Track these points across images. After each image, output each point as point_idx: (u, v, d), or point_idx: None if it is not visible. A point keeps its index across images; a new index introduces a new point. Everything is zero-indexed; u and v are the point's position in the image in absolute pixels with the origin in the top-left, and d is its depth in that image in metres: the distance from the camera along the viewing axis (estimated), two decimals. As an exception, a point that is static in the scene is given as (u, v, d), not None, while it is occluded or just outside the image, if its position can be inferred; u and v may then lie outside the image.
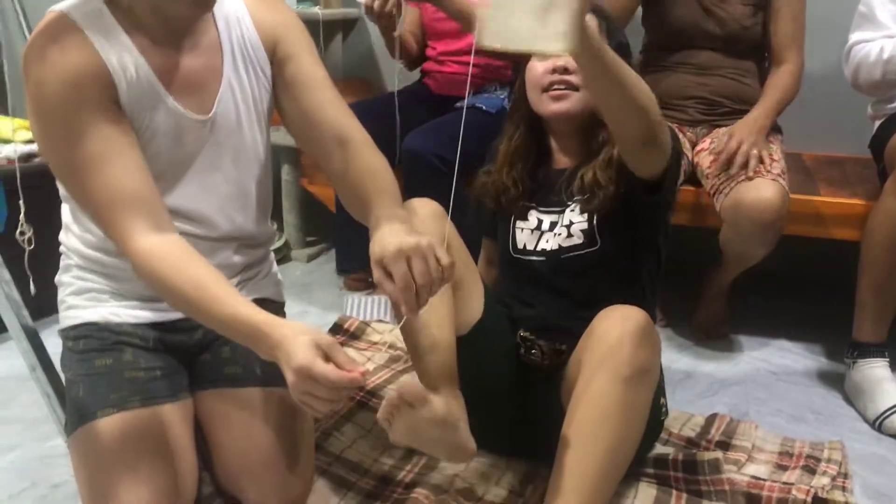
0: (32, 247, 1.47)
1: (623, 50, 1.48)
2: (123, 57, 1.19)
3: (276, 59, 1.35)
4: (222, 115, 1.31)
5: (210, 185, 1.33)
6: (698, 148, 2.14)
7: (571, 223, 1.48)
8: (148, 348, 1.35)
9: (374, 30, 2.99)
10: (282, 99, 1.37)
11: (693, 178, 2.13)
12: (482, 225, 1.66)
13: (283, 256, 2.79)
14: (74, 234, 1.36)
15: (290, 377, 1.06)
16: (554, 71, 1.43)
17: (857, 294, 1.89)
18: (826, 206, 2.05)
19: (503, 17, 0.95)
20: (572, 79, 1.43)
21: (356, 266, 2.44)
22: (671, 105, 2.19)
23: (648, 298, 1.55)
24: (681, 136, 2.15)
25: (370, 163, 1.31)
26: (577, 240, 1.48)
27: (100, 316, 1.35)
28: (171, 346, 1.38)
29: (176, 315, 1.37)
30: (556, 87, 1.44)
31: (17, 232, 1.46)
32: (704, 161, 2.06)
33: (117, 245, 1.18)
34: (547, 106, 1.46)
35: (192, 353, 1.41)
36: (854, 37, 2.05)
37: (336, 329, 2.17)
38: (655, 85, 2.18)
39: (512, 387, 1.44)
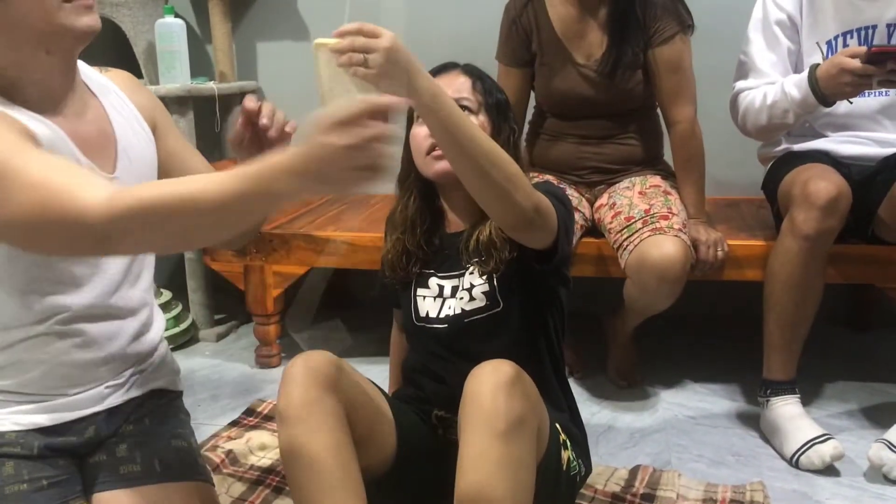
0: None
1: (502, 107, 1.49)
2: (31, 122, 1.16)
3: (156, 134, 1.41)
4: (124, 175, 1.29)
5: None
6: (598, 204, 2.17)
7: (472, 286, 1.47)
8: (32, 456, 1.25)
9: (273, 100, 2.97)
10: (160, 170, 1.41)
11: (595, 231, 2.16)
12: (388, 296, 1.64)
13: (191, 338, 2.69)
14: None
15: (335, 141, 0.90)
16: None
17: (765, 334, 1.93)
18: (729, 249, 2.09)
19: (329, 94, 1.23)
20: None
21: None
22: (568, 173, 2.22)
23: (557, 352, 1.55)
24: (578, 195, 2.18)
25: None
26: (480, 302, 1.47)
27: None
28: (59, 450, 1.28)
29: (67, 416, 1.29)
30: (435, 148, 1.44)
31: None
32: (605, 216, 2.09)
33: (79, 222, 1.01)
34: (431, 167, 1.46)
35: (83, 455, 1.32)
36: (738, 85, 2.13)
37: (249, 413, 2.09)
38: (546, 152, 2.24)
39: (436, 469, 1.40)
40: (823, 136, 2.09)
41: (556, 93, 2.16)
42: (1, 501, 1.19)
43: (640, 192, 2.08)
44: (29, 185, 1.04)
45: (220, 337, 2.73)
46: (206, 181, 1.00)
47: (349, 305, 2.94)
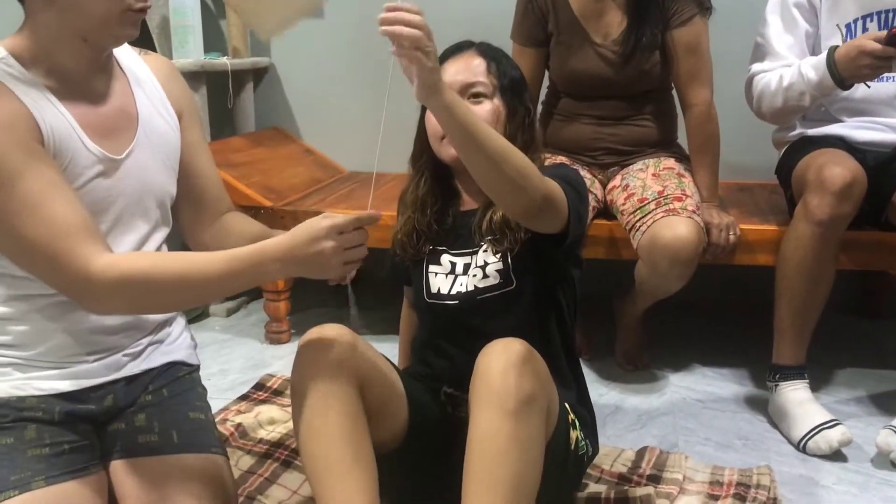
0: None
1: (517, 85, 1.48)
2: (41, 101, 1.21)
3: (181, 123, 1.45)
4: (140, 156, 1.33)
5: (127, 222, 1.33)
6: (610, 186, 2.16)
7: (486, 264, 1.47)
8: (53, 422, 1.27)
9: (285, 78, 2.97)
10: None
11: (607, 212, 2.16)
12: (398, 275, 1.64)
13: (201, 312, 2.70)
14: None
15: (327, 244, 1.15)
16: None
17: (775, 318, 1.92)
18: (741, 234, 2.09)
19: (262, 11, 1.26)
20: None
21: None
22: (581, 154, 2.21)
23: (568, 332, 1.55)
24: (591, 177, 2.17)
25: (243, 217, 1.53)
26: (493, 280, 1.47)
27: (2, 391, 1.27)
28: (79, 416, 1.31)
29: (86, 382, 1.31)
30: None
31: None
32: (618, 198, 2.08)
33: (71, 275, 1.16)
34: (447, 150, 1.46)
35: (102, 423, 1.34)
36: (754, 67, 2.11)
37: (259, 387, 2.11)
38: (560, 133, 2.23)
39: (445, 445, 1.41)
40: (839, 121, 2.07)
41: (573, 72, 2.15)
42: (23, 463, 1.21)
43: (653, 174, 2.07)
44: (37, 244, 1.15)
45: (231, 312, 2.74)
46: (201, 260, 1.19)
47: (359, 281, 2.94)
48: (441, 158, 1.50)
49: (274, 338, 2.48)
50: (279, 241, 1.18)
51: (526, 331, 1.38)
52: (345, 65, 2.89)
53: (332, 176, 2.83)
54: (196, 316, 2.67)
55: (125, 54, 1.39)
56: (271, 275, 1.19)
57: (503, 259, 1.46)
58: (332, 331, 1.34)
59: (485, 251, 1.48)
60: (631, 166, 2.16)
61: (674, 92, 2.20)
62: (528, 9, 2.17)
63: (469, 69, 1.46)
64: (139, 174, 1.33)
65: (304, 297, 2.66)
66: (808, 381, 1.91)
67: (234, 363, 2.35)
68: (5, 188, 1.14)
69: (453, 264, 1.51)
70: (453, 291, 1.50)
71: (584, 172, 2.15)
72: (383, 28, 1.14)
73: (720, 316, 2.64)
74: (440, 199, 1.55)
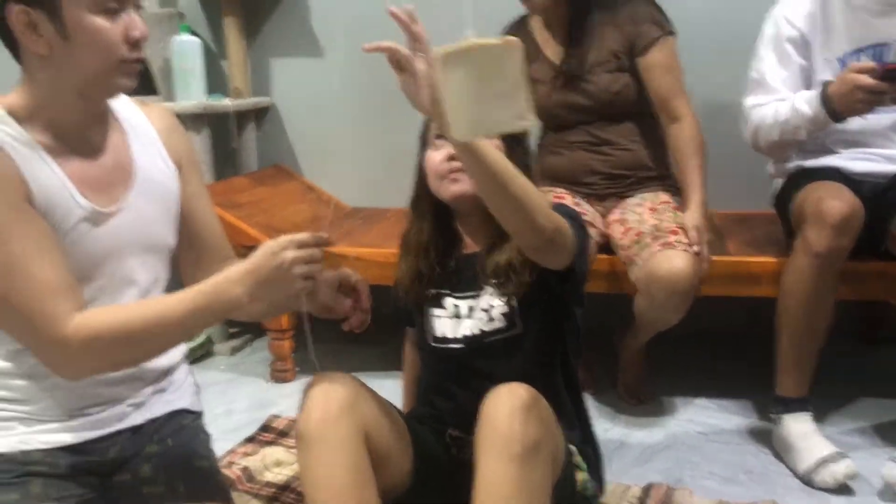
0: None
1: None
2: (33, 160, 1.22)
3: (180, 175, 1.45)
4: (137, 208, 1.33)
5: (126, 275, 1.33)
6: (610, 219, 2.18)
7: (491, 307, 1.49)
8: (59, 475, 1.28)
9: (286, 116, 3.00)
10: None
11: (607, 247, 2.17)
12: (401, 316, 1.66)
13: (207, 352, 2.72)
14: None
15: (287, 255, 1.18)
16: (450, 158, 1.46)
17: (777, 351, 1.93)
18: (739, 266, 2.10)
19: (465, 110, 1.07)
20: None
21: None
22: (578, 182, 2.24)
23: (572, 370, 1.56)
24: (591, 208, 2.19)
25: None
26: (499, 323, 1.48)
27: (7, 446, 1.27)
28: (85, 469, 1.31)
29: (90, 434, 1.32)
30: (452, 172, 1.46)
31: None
32: (616, 231, 2.10)
33: (43, 334, 1.18)
34: (447, 189, 1.48)
35: (108, 474, 1.35)
36: (749, 101, 2.14)
37: (265, 429, 2.11)
38: (556, 165, 2.26)
39: (451, 489, 1.41)
40: (835, 152, 2.09)
41: (540, 103, 2.19)
42: None
43: (650, 209, 2.09)
44: (15, 302, 1.18)
45: (235, 350, 2.76)
46: (167, 302, 1.22)
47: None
48: (442, 198, 1.51)
49: (279, 376, 2.49)
50: (239, 265, 1.21)
51: (531, 372, 1.41)
52: (344, 102, 2.91)
53: (334, 213, 2.85)
54: (201, 356, 2.69)
55: (123, 106, 1.39)
56: (237, 300, 1.19)
57: (508, 302, 1.47)
58: (337, 377, 1.36)
59: (489, 294, 1.49)
60: (629, 200, 2.18)
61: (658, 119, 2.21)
62: None
63: None
64: (136, 226, 1.33)
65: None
66: (811, 412, 1.91)
67: (239, 403, 2.35)
68: None
69: (457, 307, 1.53)
70: (458, 335, 1.51)
71: (585, 206, 2.18)
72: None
73: (721, 347, 2.64)
74: (442, 242, 1.56)
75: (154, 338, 1.22)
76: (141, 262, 1.35)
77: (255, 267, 1.19)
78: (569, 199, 2.17)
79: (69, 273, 1.22)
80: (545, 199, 1.30)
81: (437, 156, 1.48)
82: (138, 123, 1.40)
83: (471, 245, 1.55)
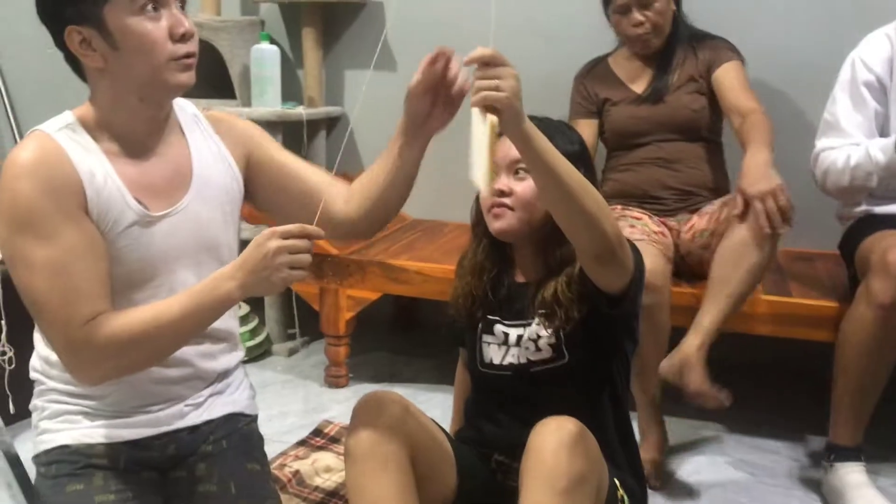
0: (13, 367, 1.47)
1: (570, 159, 1.39)
2: (95, 166, 1.27)
3: (250, 165, 1.47)
4: (192, 211, 1.37)
5: (182, 281, 1.36)
6: (685, 231, 2.20)
7: (539, 337, 1.50)
8: (119, 469, 1.34)
9: (356, 126, 3.06)
10: (257, 185, 1.48)
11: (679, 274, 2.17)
12: (455, 335, 1.68)
13: (265, 351, 2.79)
14: (43, 357, 1.37)
15: (271, 244, 1.19)
16: (495, 194, 1.49)
17: (833, 398, 1.91)
18: (799, 308, 2.09)
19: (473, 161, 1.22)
20: (507, 200, 1.48)
21: None
22: (649, 198, 2.27)
23: (622, 405, 1.57)
24: (663, 227, 2.20)
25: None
26: (546, 353, 1.50)
27: (72, 438, 1.34)
28: (143, 464, 1.38)
29: (150, 431, 1.38)
30: (495, 207, 1.49)
31: (-1, 351, 1.47)
32: (699, 225, 2.17)
33: (60, 337, 1.24)
34: (490, 224, 1.51)
35: (164, 470, 1.41)
36: (821, 143, 2.12)
37: (317, 433, 2.17)
38: (627, 182, 2.31)
39: None
40: (905, 199, 2.07)
41: (627, 122, 2.33)
42: None
43: (722, 203, 2.15)
44: (44, 302, 1.23)
45: (292, 352, 2.82)
46: (164, 303, 1.26)
47: (416, 330, 3.01)
48: (490, 230, 1.54)
49: (333, 381, 2.55)
50: (232, 262, 1.25)
51: (578, 403, 1.43)
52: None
53: (396, 224, 2.89)
54: (258, 355, 2.76)
55: (186, 112, 1.43)
56: (229, 294, 1.23)
57: (556, 333, 1.49)
58: (386, 396, 1.40)
59: (538, 324, 1.51)
60: (698, 212, 2.22)
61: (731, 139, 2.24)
62: (578, 87, 2.43)
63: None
64: (190, 228, 1.37)
65: (363, 342, 2.73)
66: (864, 463, 1.89)
67: (293, 405, 2.42)
68: (35, 244, 1.21)
69: (506, 335, 1.55)
70: (506, 362, 1.54)
71: (652, 225, 2.17)
72: (480, 98, 1.17)
73: (776, 388, 2.60)
74: (497, 267, 1.58)
75: (154, 340, 1.25)
76: (196, 263, 1.38)
77: (243, 260, 1.22)
78: (644, 218, 2.19)
79: (104, 283, 1.26)
80: (607, 207, 1.31)
81: (484, 191, 1.48)
82: (201, 128, 1.43)
83: (522, 275, 1.57)
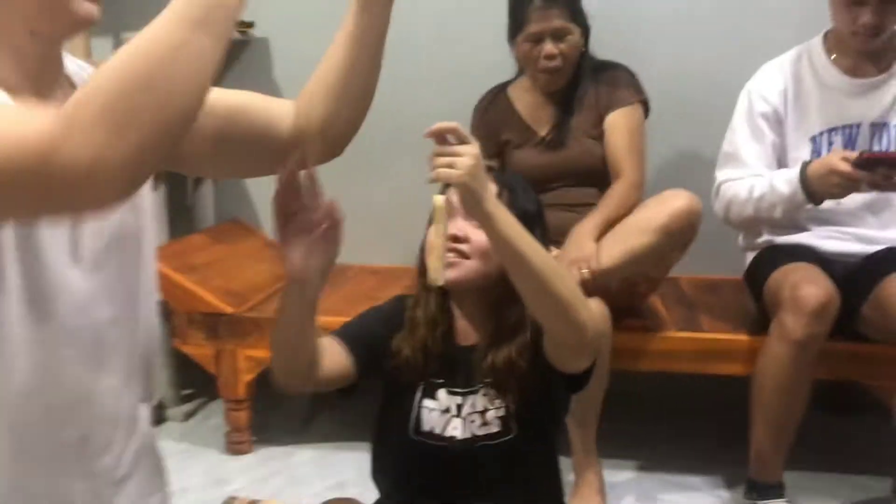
0: None
1: (528, 219, 1.34)
2: None
3: None
4: None
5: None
6: None
7: (486, 409, 1.39)
8: None
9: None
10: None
11: None
12: (365, 363, 1.43)
13: (158, 418, 2.60)
14: None
15: None
16: (454, 239, 1.35)
17: (752, 434, 1.90)
18: (711, 343, 2.08)
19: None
20: (463, 247, 1.35)
21: None
22: (561, 243, 2.20)
23: (557, 470, 1.49)
24: None
25: None
26: (494, 427, 1.38)
27: None
28: None
29: None
30: (447, 254, 1.35)
31: None
32: None
33: (28, 157, 0.78)
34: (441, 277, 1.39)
35: None
36: (721, 175, 2.12)
37: (222, 512, 2.01)
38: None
39: None
40: (806, 229, 2.08)
41: (521, 167, 2.24)
42: None
43: None
44: None
45: (189, 416, 2.64)
46: (150, 27, 0.80)
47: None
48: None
49: (235, 448, 2.38)
50: None
51: (519, 476, 1.35)
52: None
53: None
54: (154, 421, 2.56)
55: (78, 68, 1.11)
56: None
57: (505, 406, 1.37)
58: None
59: (484, 395, 1.39)
60: None
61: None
62: (479, 126, 2.31)
63: None
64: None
65: (265, 401, 2.57)
66: (786, 499, 1.89)
67: (194, 479, 2.24)
68: None
69: (449, 402, 1.41)
70: (447, 434, 1.40)
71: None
72: (433, 175, 1.12)
73: (689, 422, 2.58)
74: (442, 324, 1.43)
75: (153, 72, 0.79)
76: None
77: None
78: None
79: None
80: (582, 296, 1.24)
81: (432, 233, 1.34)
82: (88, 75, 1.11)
83: (465, 335, 1.43)
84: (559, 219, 2.17)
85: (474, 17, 2.66)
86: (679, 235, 1.97)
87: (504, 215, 1.17)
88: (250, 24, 2.76)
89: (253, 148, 1.14)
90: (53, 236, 0.99)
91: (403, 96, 2.59)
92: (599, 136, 2.21)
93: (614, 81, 2.22)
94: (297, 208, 1.14)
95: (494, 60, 2.34)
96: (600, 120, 2.21)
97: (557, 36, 2.13)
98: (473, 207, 1.15)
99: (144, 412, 1.20)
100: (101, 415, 1.07)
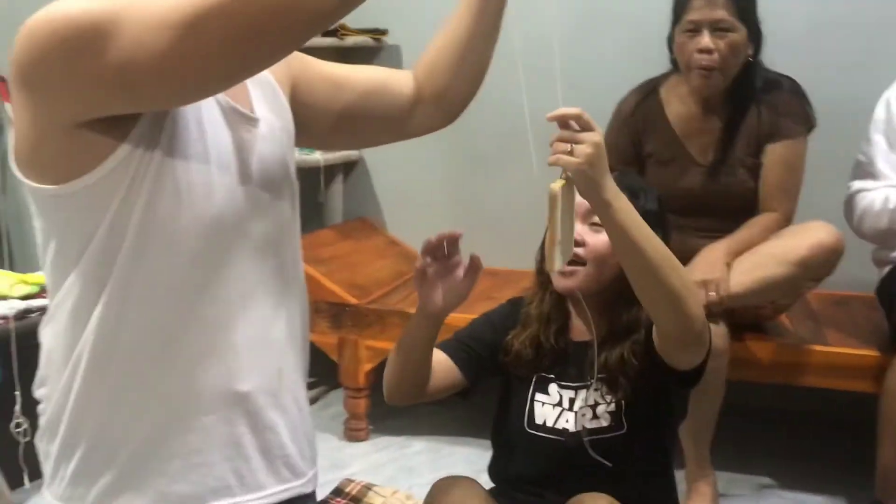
0: (28, 439, 1.37)
1: (650, 217, 1.30)
2: None
3: (300, 83, 1.19)
4: (263, 122, 1.09)
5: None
6: None
7: (597, 404, 1.40)
8: None
9: (373, 170, 3.02)
10: (304, 105, 1.20)
11: None
12: (470, 365, 1.49)
13: (282, 402, 2.72)
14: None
15: None
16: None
17: (879, 454, 1.83)
18: (837, 358, 2.01)
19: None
20: (580, 251, 1.38)
21: None
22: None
23: (671, 477, 1.48)
24: None
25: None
26: (604, 422, 1.40)
27: None
28: None
29: None
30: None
31: (13, 423, 1.37)
32: None
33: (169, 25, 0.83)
34: (557, 283, 1.42)
35: None
36: (855, 185, 2.05)
37: (338, 493, 2.09)
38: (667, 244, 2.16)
39: None
40: (945, 243, 1.99)
41: (678, 190, 2.07)
42: None
43: None
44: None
45: (312, 402, 2.74)
46: None
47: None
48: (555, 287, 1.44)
49: (353, 435, 2.47)
50: None
51: (629, 475, 1.36)
52: (432, 156, 2.90)
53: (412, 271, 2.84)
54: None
55: None
56: None
57: (616, 402, 1.39)
58: (465, 481, 1.39)
59: (596, 390, 1.40)
60: None
61: None
62: (622, 130, 2.15)
63: None
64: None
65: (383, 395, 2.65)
66: (914, 523, 1.80)
67: (312, 461, 2.34)
68: None
69: (560, 396, 1.44)
70: (559, 426, 1.43)
71: None
72: (552, 160, 1.11)
73: (815, 436, 2.49)
74: (557, 321, 1.47)
75: None
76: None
77: None
78: None
79: None
80: (694, 287, 1.24)
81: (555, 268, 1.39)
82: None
83: (580, 331, 1.46)
84: (685, 243, 2.03)
85: (606, 16, 2.64)
86: (816, 269, 1.90)
87: (624, 204, 1.16)
88: (384, 32, 2.87)
89: (375, 122, 1.21)
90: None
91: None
92: (755, 167, 2.06)
93: (780, 106, 2.04)
94: (439, 256, 1.27)
95: (629, 61, 2.31)
96: (759, 149, 2.05)
97: (718, 29, 1.94)
98: (591, 196, 1.15)
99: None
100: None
